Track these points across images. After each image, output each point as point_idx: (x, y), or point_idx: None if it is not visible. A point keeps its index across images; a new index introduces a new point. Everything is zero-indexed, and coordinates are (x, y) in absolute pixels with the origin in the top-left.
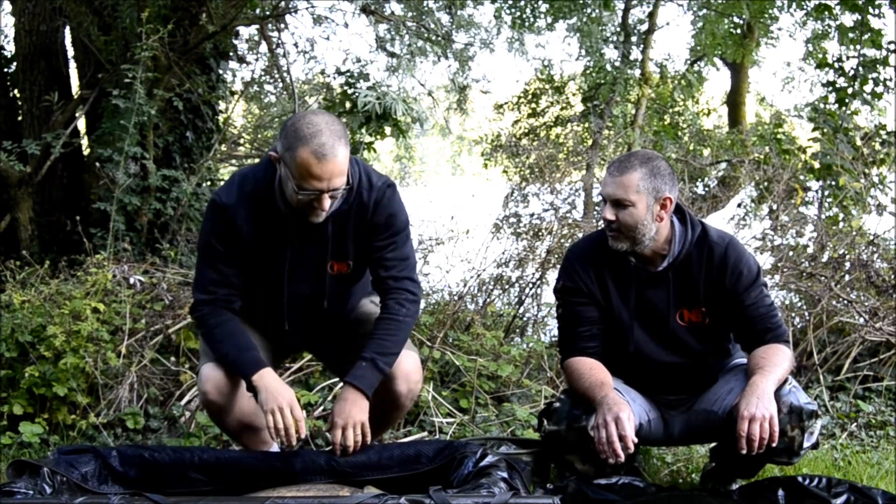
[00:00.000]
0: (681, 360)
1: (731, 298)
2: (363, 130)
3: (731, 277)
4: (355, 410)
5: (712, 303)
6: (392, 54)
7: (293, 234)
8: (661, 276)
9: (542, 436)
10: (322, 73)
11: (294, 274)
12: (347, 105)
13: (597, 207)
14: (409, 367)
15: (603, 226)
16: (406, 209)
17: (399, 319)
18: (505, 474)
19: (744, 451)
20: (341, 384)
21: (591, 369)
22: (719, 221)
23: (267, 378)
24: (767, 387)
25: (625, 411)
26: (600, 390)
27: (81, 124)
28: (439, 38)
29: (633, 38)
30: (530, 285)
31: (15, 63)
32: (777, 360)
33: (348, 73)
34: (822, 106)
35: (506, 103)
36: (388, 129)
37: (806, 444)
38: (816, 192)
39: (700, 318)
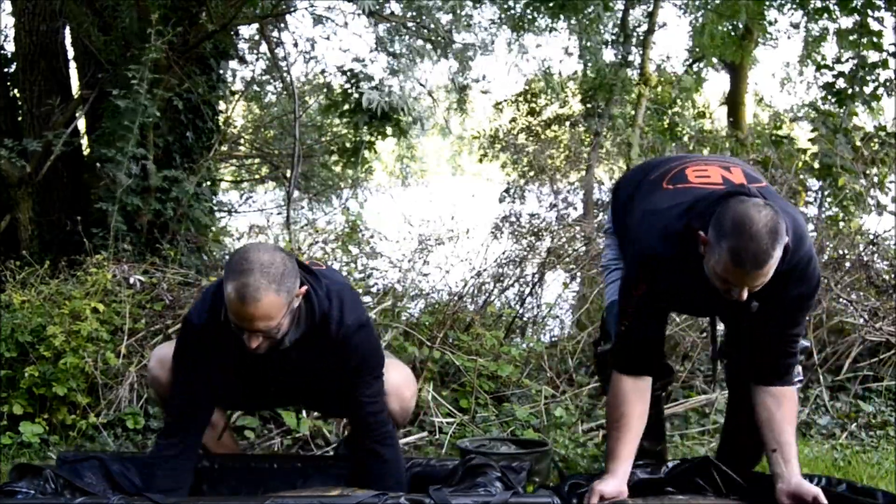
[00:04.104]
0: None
1: (775, 310)
2: (365, 130)
3: (787, 300)
4: None
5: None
6: (392, 54)
7: (264, 356)
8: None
9: (597, 359)
10: (322, 72)
11: (275, 380)
12: (348, 105)
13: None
14: (399, 382)
15: (720, 287)
16: (379, 346)
17: (397, 462)
18: (499, 473)
19: None
20: None
21: (634, 418)
22: None
23: None
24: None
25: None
26: (615, 462)
27: (81, 124)
28: (440, 38)
29: (633, 39)
30: (530, 285)
31: (15, 63)
32: (793, 419)
33: (350, 73)
34: (820, 105)
35: (505, 100)
36: (389, 130)
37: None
38: (816, 192)
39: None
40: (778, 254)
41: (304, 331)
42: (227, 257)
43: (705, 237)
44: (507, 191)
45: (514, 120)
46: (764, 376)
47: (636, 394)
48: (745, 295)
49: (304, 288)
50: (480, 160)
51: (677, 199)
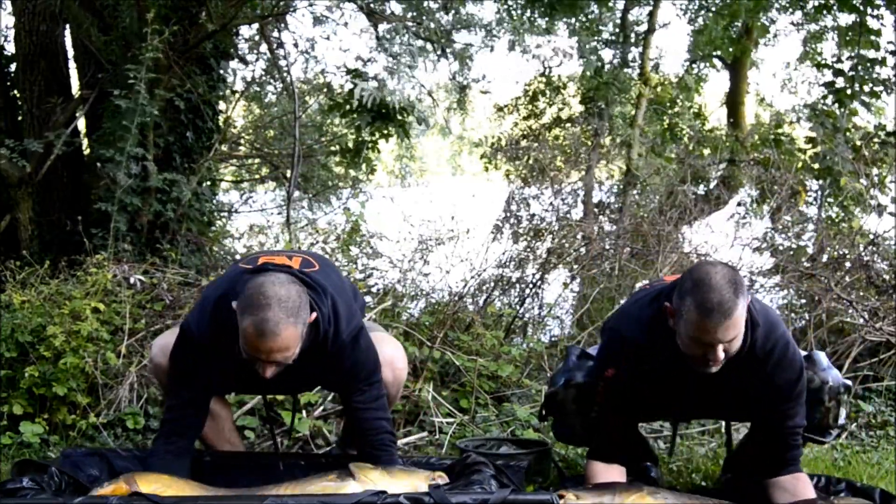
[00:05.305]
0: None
1: (766, 403)
2: (367, 130)
3: (774, 390)
4: None
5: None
6: (392, 54)
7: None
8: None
9: (544, 408)
10: (322, 72)
11: (274, 384)
12: (349, 106)
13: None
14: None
15: (688, 350)
16: (373, 353)
17: (389, 465)
18: (492, 471)
19: None
20: None
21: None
22: (720, 221)
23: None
24: None
25: None
26: None
27: (81, 124)
28: (441, 39)
29: (632, 39)
30: (530, 285)
31: (15, 63)
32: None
33: (354, 72)
34: (820, 106)
35: (506, 105)
36: (391, 130)
37: (841, 420)
38: (816, 192)
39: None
40: (742, 304)
41: (306, 345)
42: (228, 259)
43: (671, 307)
44: (510, 197)
45: (516, 125)
46: (770, 469)
47: (609, 474)
48: (720, 355)
49: (314, 315)
50: (486, 169)
51: (648, 289)
